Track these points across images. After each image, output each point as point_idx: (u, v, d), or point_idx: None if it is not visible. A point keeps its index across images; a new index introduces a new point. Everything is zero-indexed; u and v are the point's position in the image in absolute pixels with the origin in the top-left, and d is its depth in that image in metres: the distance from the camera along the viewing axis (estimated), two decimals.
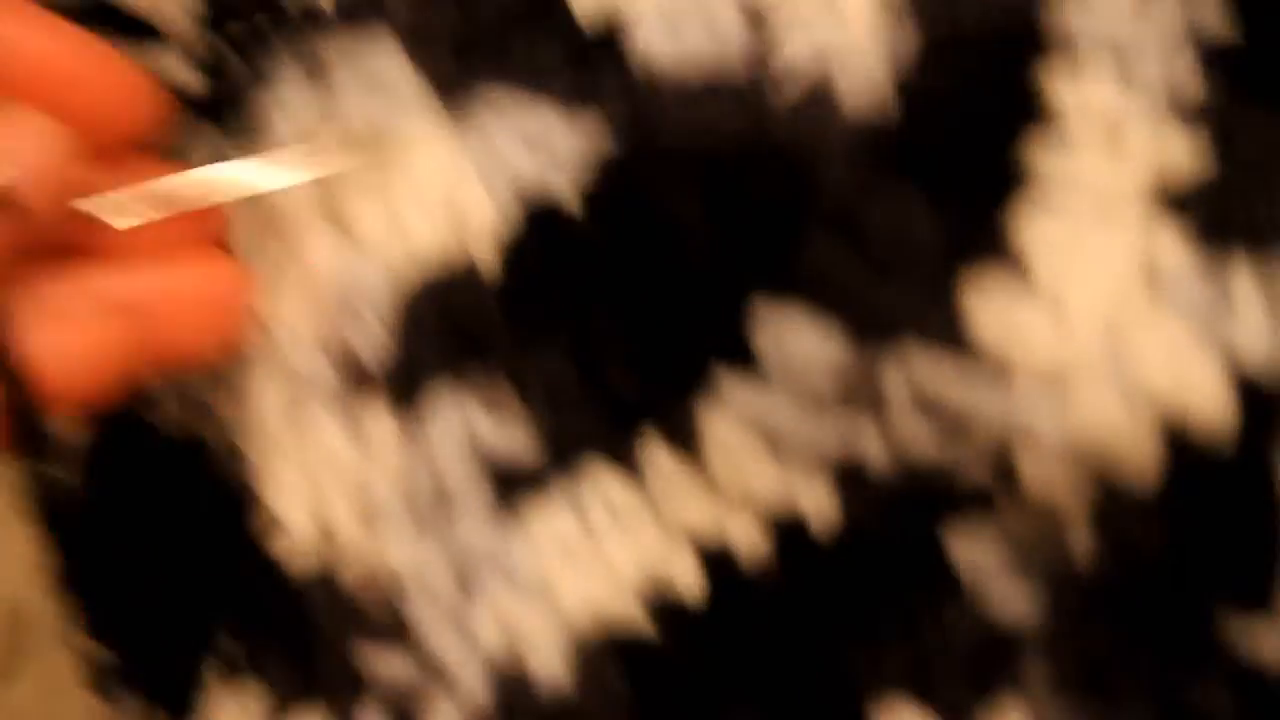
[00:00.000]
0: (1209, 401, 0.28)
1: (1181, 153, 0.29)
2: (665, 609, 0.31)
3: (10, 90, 0.27)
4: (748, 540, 0.31)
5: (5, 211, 0.26)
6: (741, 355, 0.31)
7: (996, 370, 0.29)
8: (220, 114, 0.34)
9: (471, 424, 0.32)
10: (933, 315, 0.29)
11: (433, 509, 0.33)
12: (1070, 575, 0.30)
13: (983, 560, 0.30)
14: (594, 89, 0.32)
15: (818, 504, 0.31)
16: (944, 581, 0.30)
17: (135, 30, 0.34)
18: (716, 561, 0.31)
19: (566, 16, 0.33)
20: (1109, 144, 0.30)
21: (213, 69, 0.34)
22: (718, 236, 0.31)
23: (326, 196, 0.34)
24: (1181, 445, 0.28)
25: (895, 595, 0.30)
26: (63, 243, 0.28)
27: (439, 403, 0.33)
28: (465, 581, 0.32)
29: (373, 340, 0.33)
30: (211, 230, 0.32)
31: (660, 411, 0.31)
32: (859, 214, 0.30)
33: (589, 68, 0.33)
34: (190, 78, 0.34)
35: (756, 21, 0.32)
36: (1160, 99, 0.30)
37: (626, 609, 0.32)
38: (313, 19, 0.34)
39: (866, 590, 0.31)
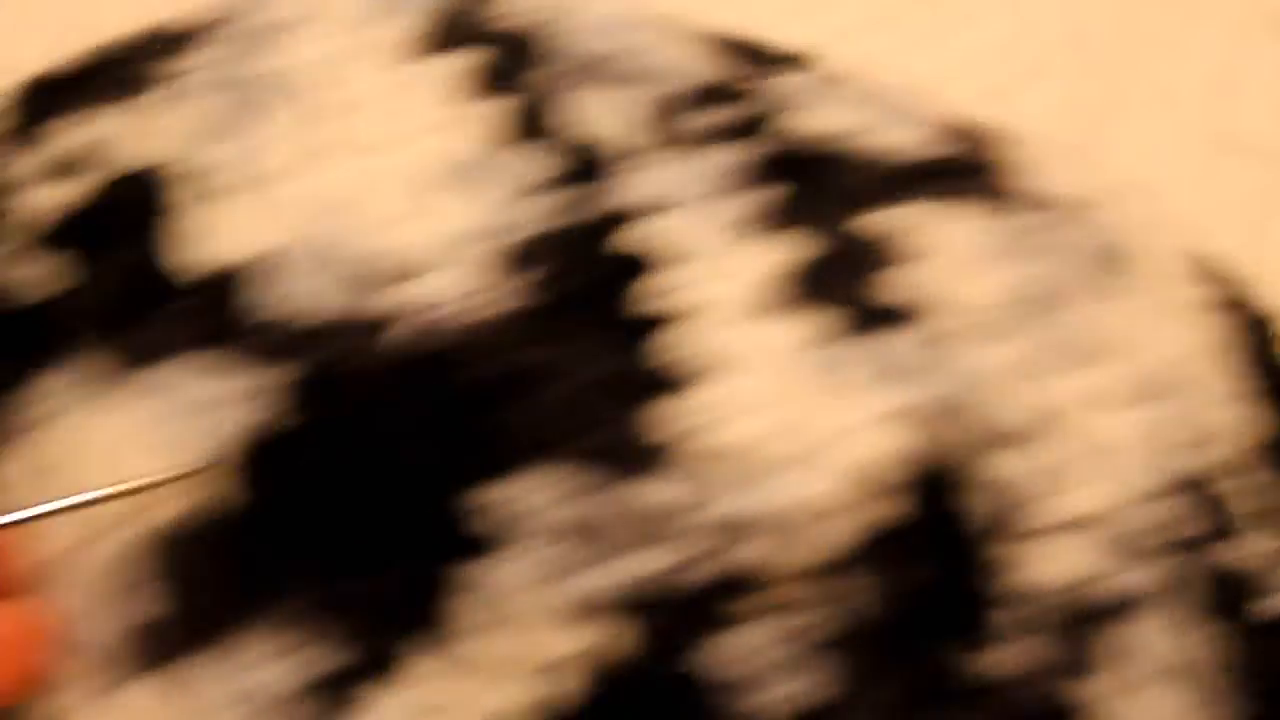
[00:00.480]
0: (876, 440, 0.32)
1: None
2: None
3: None
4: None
5: None
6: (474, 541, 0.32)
7: (700, 478, 0.32)
8: None
9: (285, 660, 0.32)
10: (629, 445, 0.32)
11: None
12: (861, 629, 0.32)
13: (760, 654, 0.32)
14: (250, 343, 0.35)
15: (575, 656, 0.32)
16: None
17: None
18: None
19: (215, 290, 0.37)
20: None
21: None
22: (423, 435, 0.33)
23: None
24: (871, 488, 0.32)
25: None
26: None
27: (245, 654, 0.32)
28: None
29: (151, 609, 0.33)
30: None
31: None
32: (532, 372, 0.33)
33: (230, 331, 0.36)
34: None
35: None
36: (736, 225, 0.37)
37: None
38: None
39: None
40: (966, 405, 0.34)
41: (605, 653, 0.31)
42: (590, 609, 0.32)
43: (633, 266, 0.36)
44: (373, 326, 0.36)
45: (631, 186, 0.39)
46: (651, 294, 0.35)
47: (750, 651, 0.31)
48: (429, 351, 0.35)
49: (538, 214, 0.40)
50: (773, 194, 0.38)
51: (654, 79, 0.45)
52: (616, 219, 0.38)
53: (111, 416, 0.35)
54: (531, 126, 0.43)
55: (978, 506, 0.33)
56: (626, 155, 0.42)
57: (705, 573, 0.32)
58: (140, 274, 0.37)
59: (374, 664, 0.32)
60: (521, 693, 0.31)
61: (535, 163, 0.42)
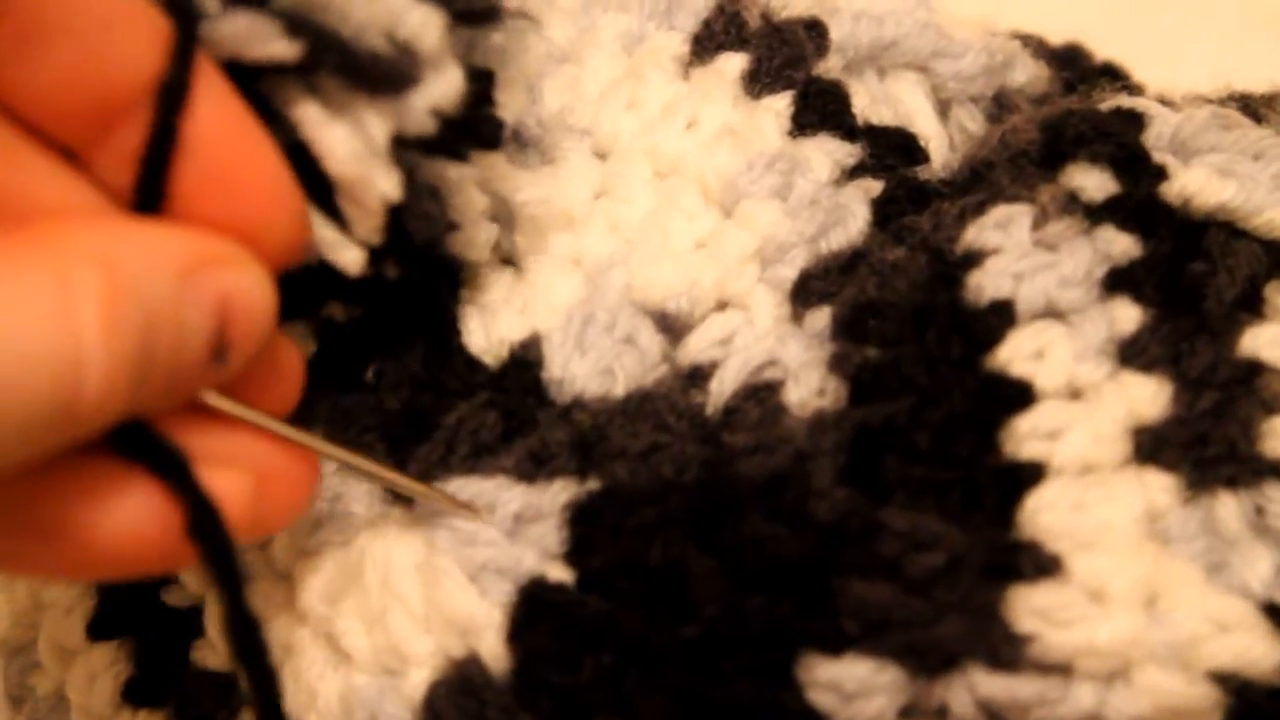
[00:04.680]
0: (1251, 641, 0.29)
1: (1145, 395, 0.32)
2: None
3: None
4: None
5: (217, 364, 0.27)
6: (800, 714, 0.30)
7: (1059, 674, 0.29)
8: None
9: None
10: (989, 637, 0.29)
11: None
12: None
13: None
14: (540, 447, 0.33)
15: None
16: None
17: None
18: None
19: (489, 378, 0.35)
20: (1081, 406, 0.32)
21: None
22: (733, 589, 0.30)
23: (321, 621, 0.34)
24: (1236, 688, 0.29)
25: None
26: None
27: None
28: None
29: None
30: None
31: None
32: (882, 546, 0.30)
33: (525, 427, 0.34)
34: None
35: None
36: (1108, 350, 0.32)
37: None
38: None
39: None
40: None
41: None
42: None
43: (1015, 394, 0.32)
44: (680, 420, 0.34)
45: (993, 266, 0.34)
46: (1030, 436, 0.32)
47: None
48: (767, 474, 0.32)
49: (860, 234, 0.37)
50: (1155, 310, 0.33)
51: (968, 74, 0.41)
52: (982, 313, 0.34)
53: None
54: (831, 117, 0.39)
55: None
56: (967, 182, 0.38)
57: None
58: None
59: None
60: None
61: (846, 154, 0.39)
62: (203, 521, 0.28)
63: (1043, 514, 0.30)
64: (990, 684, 0.29)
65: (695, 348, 0.36)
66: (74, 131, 0.28)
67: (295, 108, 0.30)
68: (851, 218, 0.37)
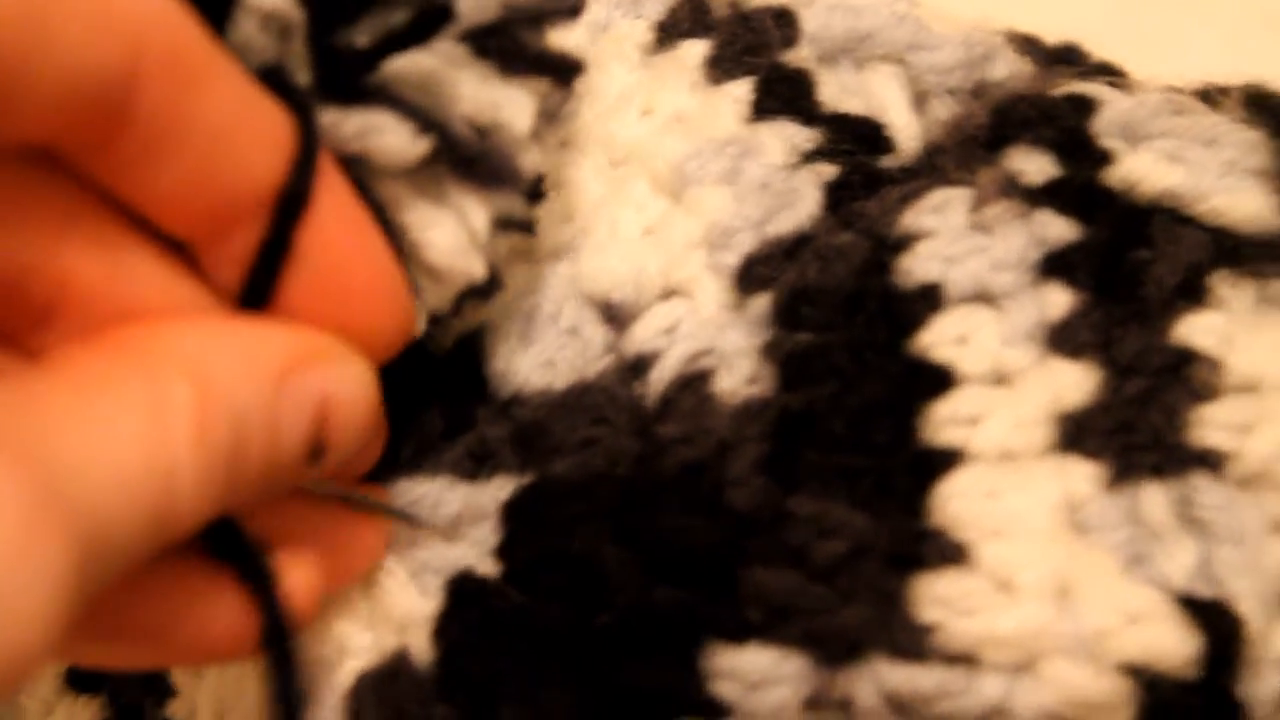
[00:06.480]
0: (1162, 633, 0.28)
1: (1071, 381, 0.31)
2: None
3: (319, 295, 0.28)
4: None
5: (314, 462, 0.28)
6: (704, 704, 0.30)
7: (964, 664, 0.29)
8: None
9: None
10: (892, 626, 0.29)
11: None
12: None
13: None
14: (479, 445, 0.33)
15: None
16: None
17: None
18: None
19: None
20: (1004, 392, 0.31)
21: None
22: (646, 579, 0.30)
23: None
24: (1148, 681, 0.28)
25: None
26: None
27: None
28: None
29: None
30: None
31: None
32: (789, 534, 0.30)
33: (467, 422, 0.34)
34: None
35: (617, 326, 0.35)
36: (1037, 335, 0.31)
37: None
38: None
39: None
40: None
41: None
42: None
43: (934, 379, 0.32)
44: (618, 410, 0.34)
45: (924, 249, 0.34)
46: (948, 422, 0.31)
47: None
48: (689, 463, 0.32)
49: (809, 218, 0.36)
50: (1088, 295, 0.32)
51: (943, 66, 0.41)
52: (909, 297, 0.33)
53: None
54: (792, 104, 0.39)
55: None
56: (915, 170, 0.37)
57: None
58: None
59: None
60: None
61: (804, 139, 0.38)
62: (275, 637, 0.28)
63: (954, 501, 0.30)
64: (893, 674, 0.29)
65: (640, 338, 0.36)
66: (187, 231, 0.27)
67: (402, 203, 0.30)
68: (801, 201, 0.37)
